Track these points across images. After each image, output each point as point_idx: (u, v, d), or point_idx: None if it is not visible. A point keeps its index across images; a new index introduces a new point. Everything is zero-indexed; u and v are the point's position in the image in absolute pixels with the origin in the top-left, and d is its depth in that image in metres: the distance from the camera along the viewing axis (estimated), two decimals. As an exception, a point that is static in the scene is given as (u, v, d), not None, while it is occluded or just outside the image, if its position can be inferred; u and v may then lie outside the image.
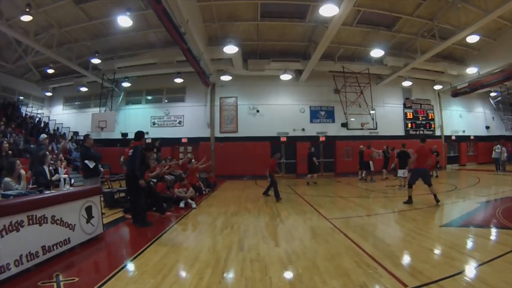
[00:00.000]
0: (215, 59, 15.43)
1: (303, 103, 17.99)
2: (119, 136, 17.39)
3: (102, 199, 5.57)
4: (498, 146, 15.94)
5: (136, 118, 17.96)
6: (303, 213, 6.93)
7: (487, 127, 21.20)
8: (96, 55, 14.62)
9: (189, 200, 8.08)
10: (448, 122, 20.02)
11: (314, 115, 18.01)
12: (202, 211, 7.58)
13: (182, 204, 7.89)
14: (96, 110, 17.56)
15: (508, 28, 13.72)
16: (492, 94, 21.09)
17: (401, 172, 10.84)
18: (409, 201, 7.42)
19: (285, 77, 16.37)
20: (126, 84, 17.56)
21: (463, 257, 3.70)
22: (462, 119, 20.69)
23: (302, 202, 8.71)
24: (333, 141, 17.36)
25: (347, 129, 16.74)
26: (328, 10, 9.81)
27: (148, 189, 6.44)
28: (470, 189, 10.32)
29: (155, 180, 8.32)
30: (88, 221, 4.63)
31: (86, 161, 6.84)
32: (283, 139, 17.59)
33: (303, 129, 17.69)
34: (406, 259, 3.77)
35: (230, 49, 13.04)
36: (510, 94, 20.62)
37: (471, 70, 16.62)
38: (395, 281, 3.00)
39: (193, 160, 10.98)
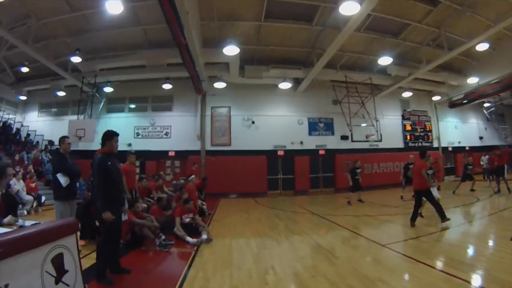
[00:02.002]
0: (209, 63, 14.03)
1: (301, 114, 16.88)
2: (99, 147, 15.59)
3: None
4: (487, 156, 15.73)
5: (118, 127, 15.38)
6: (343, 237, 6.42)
7: (481, 138, 21.22)
8: (77, 52, 12.85)
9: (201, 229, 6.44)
10: (444, 133, 19.81)
11: (313, 127, 16.94)
12: (214, 243, 5.96)
13: (189, 239, 5.92)
14: (74, 117, 15.66)
15: (508, 38, 13.60)
16: (486, 104, 21.14)
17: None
18: None
19: (284, 85, 15.20)
20: (108, 89, 15.81)
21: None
22: (457, 130, 20.58)
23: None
24: (333, 155, 16.41)
25: (352, 141, 15.84)
26: (348, 8, 8.98)
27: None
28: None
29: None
30: (58, 281, 2.63)
31: (58, 176, 4.72)
32: (281, 153, 16.36)
33: (301, 142, 16.56)
34: None
35: (231, 50, 11.57)
36: (503, 104, 20.70)
37: (472, 80, 16.53)
38: None
39: (192, 176, 9.40)
